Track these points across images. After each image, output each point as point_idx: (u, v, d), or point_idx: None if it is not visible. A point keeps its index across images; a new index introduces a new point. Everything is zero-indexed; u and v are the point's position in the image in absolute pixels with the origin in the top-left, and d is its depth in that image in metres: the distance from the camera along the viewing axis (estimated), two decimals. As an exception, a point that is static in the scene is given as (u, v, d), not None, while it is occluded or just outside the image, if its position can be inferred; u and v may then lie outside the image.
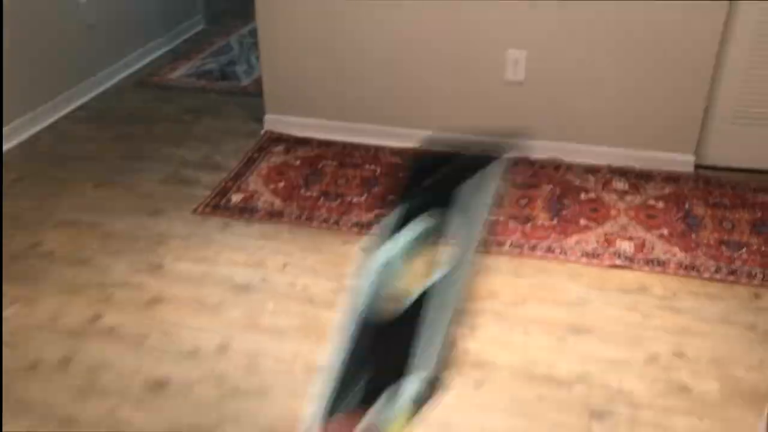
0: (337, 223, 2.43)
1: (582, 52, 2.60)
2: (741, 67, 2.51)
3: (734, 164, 2.70)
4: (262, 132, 3.05)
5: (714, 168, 2.72)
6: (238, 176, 2.72)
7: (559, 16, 2.55)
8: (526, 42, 2.63)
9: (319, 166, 2.78)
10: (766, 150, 2.65)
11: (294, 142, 2.96)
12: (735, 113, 2.61)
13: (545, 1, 2.52)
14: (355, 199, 2.56)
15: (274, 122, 3.05)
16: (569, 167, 2.74)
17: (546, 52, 2.63)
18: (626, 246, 2.28)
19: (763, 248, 2.25)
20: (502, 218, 2.43)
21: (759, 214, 2.43)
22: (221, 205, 2.54)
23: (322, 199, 2.56)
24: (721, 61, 2.51)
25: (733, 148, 2.68)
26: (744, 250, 2.25)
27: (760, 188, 2.59)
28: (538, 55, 2.64)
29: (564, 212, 2.46)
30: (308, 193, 2.60)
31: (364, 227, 2.39)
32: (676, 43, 2.50)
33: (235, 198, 2.58)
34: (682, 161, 2.70)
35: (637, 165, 2.72)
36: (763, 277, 2.12)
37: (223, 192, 2.62)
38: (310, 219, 2.45)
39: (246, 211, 2.50)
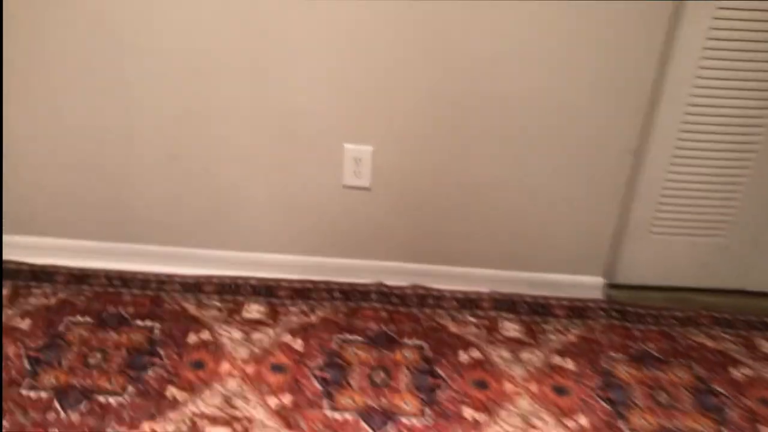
0: (74, 462, 1.45)
1: (450, 148, 1.78)
2: (660, 168, 1.83)
3: (650, 282, 2.05)
4: (-22, 261, 1.99)
5: (627, 287, 2.04)
6: None
7: (415, 101, 1.71)
8: (372, 134, 1.77)
9: (62, 326, 1.77)
10: (686, 264, 2.01)
11: (28, 278, 1.93)
12: (652, 222, 1.93)
13: (395, 84, 1.68)
14: (113, 400, 1.58)
15: None
16: (439, 299, 1.95)
17: (400, 147, 1.79)
18: (535, 458, 1.51)
19: (718, 441, 1.58)
20: (348, 416, 1.57)
21: (695, 371, 1.76)
22: None
23: (56, 404, 1.56)
24: (640, 163, 1.81)
25: (649, 263, 2.01)
26: (695, 448, 1.56)
27: (687, 319, 1.93)
28: (389, 151, 1.79)
29: (439, 394, 1.65)
30: (34, 393, 1.58)
31: (122, 465, 1.44)
32: (586, 140, 1.76)
33: None
34: (589, 285, 1.99)
35: (530, 292, 1.98)
36: (733, 504, 1.44)
37: None
38: (28, 456, 1.45)
39: None
